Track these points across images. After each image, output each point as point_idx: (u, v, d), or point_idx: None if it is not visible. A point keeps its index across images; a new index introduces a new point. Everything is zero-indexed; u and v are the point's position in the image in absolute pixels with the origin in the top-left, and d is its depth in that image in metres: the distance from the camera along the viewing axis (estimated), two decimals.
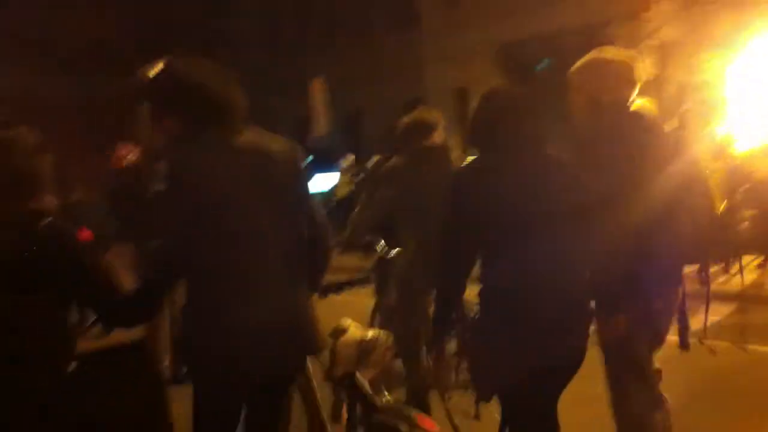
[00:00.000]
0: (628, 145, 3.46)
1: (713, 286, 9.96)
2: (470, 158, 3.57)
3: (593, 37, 16.73)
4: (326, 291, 3.80)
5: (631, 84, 3.60)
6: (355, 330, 3.79)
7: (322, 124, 20.76)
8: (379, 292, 6.12)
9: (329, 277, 3.57)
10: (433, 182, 4.98)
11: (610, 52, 3.68)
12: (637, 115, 3.61)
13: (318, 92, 21.09)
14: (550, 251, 3.24)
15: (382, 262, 5.70)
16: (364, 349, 3.71)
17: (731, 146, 12.87)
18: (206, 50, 3.70)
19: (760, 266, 10.55)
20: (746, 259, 11.07)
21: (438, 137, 5.30)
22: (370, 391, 3.72)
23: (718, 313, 8.74)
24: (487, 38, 18.64)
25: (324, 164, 16.69)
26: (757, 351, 7.01)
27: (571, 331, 3.39)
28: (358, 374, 3.71)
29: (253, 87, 3.43)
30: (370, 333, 3.80)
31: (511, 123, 3.35)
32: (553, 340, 3.28)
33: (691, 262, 3.73)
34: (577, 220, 3.27)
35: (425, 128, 5.25)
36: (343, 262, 6.61)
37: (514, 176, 3.31)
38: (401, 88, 19.89)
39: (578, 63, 3.73)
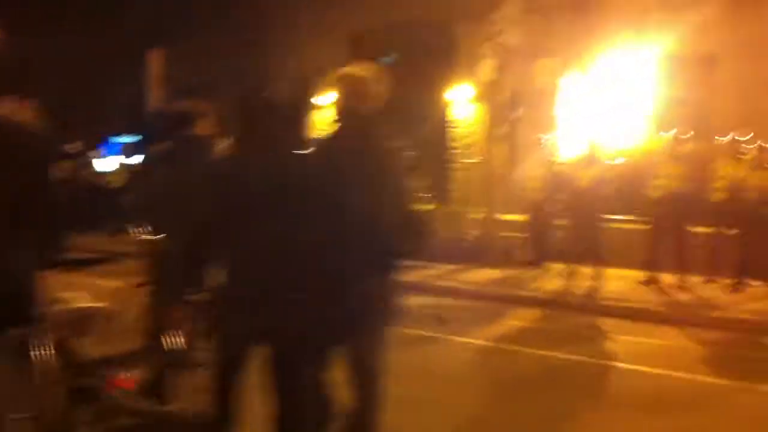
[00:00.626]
0: (350, 153, 3.79)
1: (522, 292, 10.23)
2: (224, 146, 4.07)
3: (440, 33, 16.96)
4: (62, 266, 3.73)
5: (368, 98, 3.94)
6: (75, 301, 3.93)
7: (158, 97, 19.97)
8: (142, 274, 6.17)
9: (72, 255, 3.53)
10: (194, 171, 5.04)
11: (356, 69, 4.01)
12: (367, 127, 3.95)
13: (156, 65, 20.26)
14: (279, 239, 3.56)
15: (146, 245, 5.67)
16: (78, 317, 3.89)
17: (557, 154, 13.22)
18: None
19: (567, 275, 10.82)
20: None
21: (202, 128, 5.34)
22: (81, 356, 3.93)
23: (524, 318, 8.90)
24: (337, 24, 18.45)
25: (160, 140, 15.99)
26: (558, 357, 7.10)
27: (292, 314, 3.59)
28: (71, 340, 3.88)
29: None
30: (88, 303, 3.99)
31: (266, 123, 3.66)
32: (278, 321, 3.53)
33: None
34: (306, 214, 3.59)
35: (188, 118, 5.31)
36: (92, 243, 6.41)
37: (259, 169, 3.62)
38: (248, 68, 19.40)
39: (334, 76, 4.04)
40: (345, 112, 3.92)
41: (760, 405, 5.72)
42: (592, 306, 9.34)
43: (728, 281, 9.94)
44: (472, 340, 7.65)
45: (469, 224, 13.07)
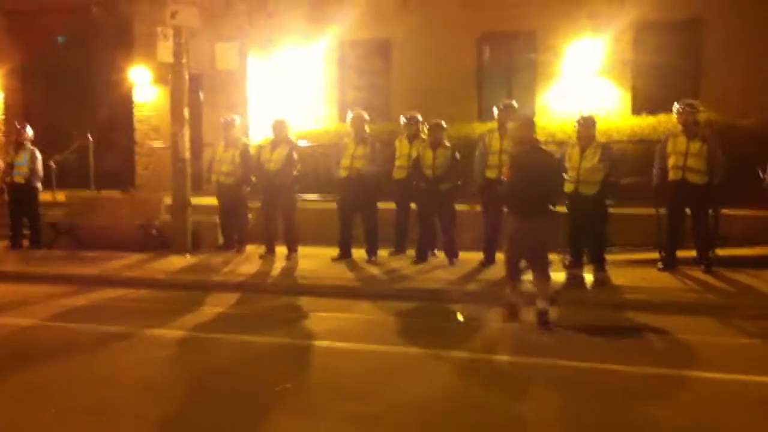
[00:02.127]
0: None
1: (216, 277, 9.97)
2: None
3: (112, 14, 16.13)
4: None
5: None
6: None
7: None
8: None
9: None
10: None
11: None
12: None
13: None
14: None
15: None
16: None
17: (245, 136, 13.09)
18: None
19: (262, 256, 10.80)
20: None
21: None
22: None
23: (220, 304, 8.64)
24: None
25: None
26: (259, 341, 6.95)
27: None
28: None
29: None
30: None
31: None
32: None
33: None
34: None
35: None
36: None
37: None
38: None
39: None
40: None
41: (448, 370, 6.05)
42: (289, 286, 9.33)
43: (412, 253, 10.52)
44: (165, 332, 7.27)
45: (157, 210, 12.52)
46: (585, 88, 13.93)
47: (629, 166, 10.69)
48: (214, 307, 8.48)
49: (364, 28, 15.06)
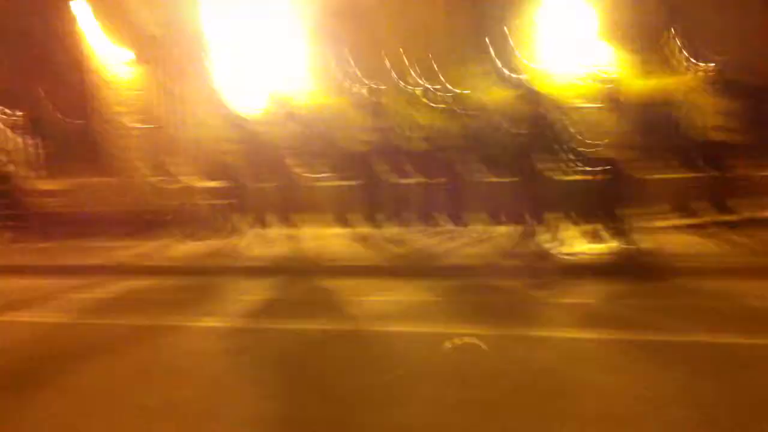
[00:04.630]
0: None
1: (239, 263, 9.54)
2: None
3: None
4: None
5: None
6: None
7: None
8: None
9: None
10: None
11: None
12: None
13: None
14: None
15: None
16: None
17: (240, 111, 12.55)
18: None
19: (270, 237, 10.42)
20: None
21: None
22: None
23: (256, 290, 8.21)
24: None
25: None
26: (307, 328, 6.62)
27: None
28: None
29: None
30: None
31: None
32: None
33: None
34: None
35: None
36: None
37: None
38: None
39: None
40: None
41: (521, 348, 5.76)
42: (314, 268, 8.96)
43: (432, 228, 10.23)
44: (214, 324, 6.89)
45: (148, 194, 12.00)
46: (583, 49, 13.68)
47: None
48: (247, 293, 8.08)
49: None
